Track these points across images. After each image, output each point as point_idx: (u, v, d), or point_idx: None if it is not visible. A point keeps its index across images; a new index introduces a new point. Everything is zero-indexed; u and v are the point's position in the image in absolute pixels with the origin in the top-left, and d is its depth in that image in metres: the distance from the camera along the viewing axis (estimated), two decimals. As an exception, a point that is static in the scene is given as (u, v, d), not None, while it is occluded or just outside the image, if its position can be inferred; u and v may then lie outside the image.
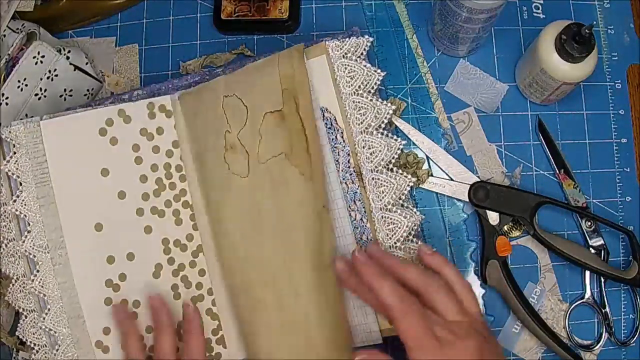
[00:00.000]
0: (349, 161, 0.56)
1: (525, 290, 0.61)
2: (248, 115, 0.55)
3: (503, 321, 0.61)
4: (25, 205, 0.57)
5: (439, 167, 0.62)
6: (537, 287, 0.61)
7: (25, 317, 0.58)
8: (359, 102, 0.56)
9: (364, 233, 0.55)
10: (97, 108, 0.59)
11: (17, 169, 0.57)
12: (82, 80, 0.66)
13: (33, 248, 0.57)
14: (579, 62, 0.56)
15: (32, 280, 0.57)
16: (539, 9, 0.66)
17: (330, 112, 0.56)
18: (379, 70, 0.57)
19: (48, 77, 0.63)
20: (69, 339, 0.57)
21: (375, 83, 0.57)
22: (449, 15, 0.57)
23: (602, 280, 0.60)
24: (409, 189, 0.56)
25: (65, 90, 0.65)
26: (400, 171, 0.57)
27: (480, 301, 0.61)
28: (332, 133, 0.56)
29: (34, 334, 0.58)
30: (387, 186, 0.56)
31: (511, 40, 0.65)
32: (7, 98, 0.61)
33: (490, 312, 0.61)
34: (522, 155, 0.63)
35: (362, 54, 0.57)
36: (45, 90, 0.63)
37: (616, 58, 0.65)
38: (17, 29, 0.63)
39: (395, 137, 0.57)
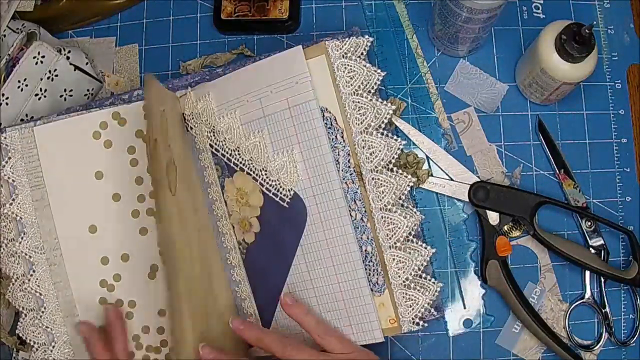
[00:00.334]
0: (349, 161, 0.56)
1: (525, 290, 0.61)
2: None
3: (503, 321, 0.61)
4: (20, 208, 0.59)
5: (439, 167, 0.62)
6: (537, 287, 0.61)
7: (25, 315, 0.59)
8: (358, 102, 0.56)
9: (364, 232, 0.55)
10: (91, 112, 0.60)
11: (12, 173, 0.59)
12: (82, 80, 0.66)
13: (29, 249, 0.58)
14: (579, 62, 0.56)
15: (29, 280, 0.58)
16: (539, 9, 0.66)
17: (330, 112, 0.56)
18: (379, 70, 0.57)
19: (48, 77, 0.63)
20: (64, 336, 0.58)
21: (375, 83, 0.57)
22: (449, 15, 0.57)
23: (602, 280, 0.60)
24: (409, 189, 0.57)
25: (65, 90, 0.65)
26: (400, 171, 0.57)
27: (480, 301, 0.61)
28: (332, 133, 0.56)
29: (33, 332, 0.59)
30: (387, 186, 0.56)
31: (511, 40, 0.65)
32: (7, 98, 0.61)
33: (490, 312, 0.61)
34: (522, 155, 0.63)
35: (362, 54, 0.57)
36: (45, 90, 0.63)
37: (616, 58, 0.65)
38: (17, 29, 0.63)
39: (395, 137, 0.57)
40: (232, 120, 0.58)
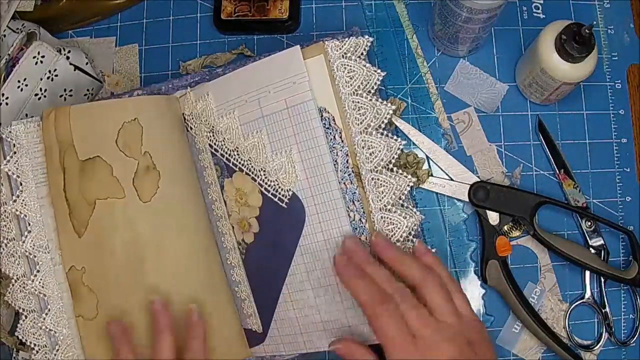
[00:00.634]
0: (347, 161, 0.55)
1: (525, 290, 0.61)
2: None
3: (503, 321, 0.61)
4: (25, 205, 0.58)
5: (439, 167, 0.62)
6: (537, 287, 0.61)
7: (25, 317, 0.58)
8: (358, 102, 0.55)
9: (362, 234, 0.55)
10: None
11: (17, 169, 0.58)
12: (82, 80, 0.66)
13: (33, 248, 0.57)
14: (579, 62, 0.56)
15: (32, 281, 0.57)
16: (539, 9, 0.66)
17: (328, 112, 0.56)
18: (379, 70, 0.56)
19: (48, 77, 0.63)
20: (69, 339, 0.57)
21: (375, 83, 0.56)
22: (449, 15, 0.57)
23: (602, 280, 0.60)
24: (409, 189, 0.56)
25: (65, 90, 0.65)
26: (400, 171, 0.56)
27: (480, 301, 0.61)
28: (330, 133, 0.56)
29: (34, 334, 0.58)
30: (386, 186, 0.55)
31: (511, 40, 0.65)
32: (7, 98, 0.61)
33: (490, 312, 0.61)
34: (522, 155, 0.63)
35: (362, 54, 0.57)
36: (45, 90, 0.63)
37: (616, 58, 0.65)
38: (17, 29, 0.63)
39: (395, 137, 0.57)
40: (231, 121, 0.58)
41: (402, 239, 0.55)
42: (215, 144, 0.59)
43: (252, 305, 0.59)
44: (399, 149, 0.56)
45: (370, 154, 0.55)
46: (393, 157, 0.56)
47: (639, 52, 0.65)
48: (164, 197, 0.57)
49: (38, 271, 0.57)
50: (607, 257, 0.60)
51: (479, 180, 0.61)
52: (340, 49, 0.56)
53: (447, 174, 0.62)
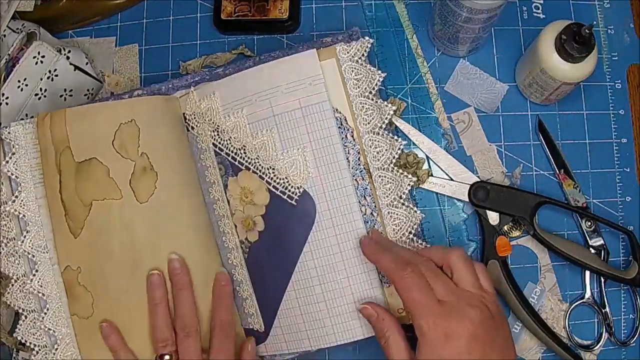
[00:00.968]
0: (359, 159, 0.57)
1: (525, 290, 0.61)
2: None
3: (503, 321, 0.61)
4: (24, 205, 0.58)
5: (439, 167, 0.62)
6: (537, 287, 0.61)
7: (25, 317, 0.59)
8: (365, 103, 0.57)
9: (374, 227, 0.57)
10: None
11: (16, 169, 0.58)
12: (82, 80, 0.66)
13: (32, 248, 0.58)
14: (579, 62, 0.56)
15: (31, 280, 0.58)
16: (539, 9, 0.66)
17: (340, 113, 0.57)
18: (379, 72, 0.57)
19: (48, 77, 0.63)
20: (67, 338, 0.58)
21: (377, 84, 0.57)
22: (449, 15, 0.57)
23: (602, 280, 0.60)
24: (409, 188, 0.57)
25: (65, 90, 0.65)
26: (400, 171, 0.57)
27: (480, 301, 0.61)
28: (342, 132, 0.57)
29: (33, 334, 0.58)
30: (392, 184, 0.57)
31: (511, 40, 0.65)
32: (7, 98, 0.61)
33: (490, 312, 0.61)
34: (522, 155, 0.63)
35: (362, 55, 0.57)
36: (45, 90, 0.63)
37: (616, 58, 0.65)
38: (17, 29, 0.63)
39: (395, 137, 0.57)
40: (239, 119, 0.58)
41: (407, 233, 0.56)
42: (219, 142, 0.59)
43: (254, 304, 0.59)
44: (399, 148, 0.57)
45: (377, 153, 0.57)
46: (394, 157, 0.57)
47: (639, 52, 0.65)
48: (161, 197, 0.57)
49: (37, 271, 0.58)
50: (607, 257, 0.60)
51: (479, 180, 0.61)
52: (348, 52, 0.57)
53: (447, 174, 0.62)
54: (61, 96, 0.65)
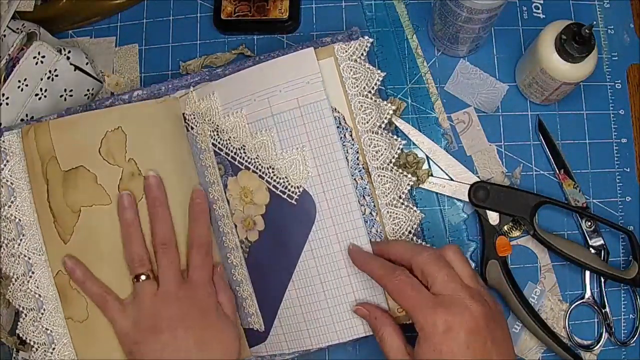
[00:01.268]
0: (357, 158, 0.57)
1: (525, 290, 0.61)
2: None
3: (503, 321, 0.61)
4: (19, 210, 0.59)
5: (439, 167, 0.62)
6: (537, 287, 0.61)
7: (25, 315, 0.59)
8: (364, 102, 0.57)
9: (373, 226, 0.57)
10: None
11: (11, 175, 0.59)
12: (82, 81, 0.66)
13: (28, 250, 0.59)
14: (579, 62, 0.56)
15: (28, 281, 0.58)
16: (539, 9, 0.66)
17: (338, 112, 0.57)
18: (379, 71, 0.57)
19: (48, 77, 0.63)
20: (64, 338, 0.58)
21: (376, 83, 0.57)
22: (449, 15, 0.57)
23: (602, 280, 0.60)
24: (408, 188, 0.57)
25: (65, 90, 0.65)
26: (400, 170, 0.58)
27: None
28: (341, 132, 0.57)
29: (33, 332, 0.59)
30: (391, 183, 0.57)
31: (511, 40, 0.65)
32: (7, 98, 0.61)
33: (490, 312, 0.61)
34: (522, 155, 0.63)
35: (362, 54, 0.57)
36: (45, 90, 0.63)
37: (616, 58, 0.65)
38: (17, 29, 0.63)
39: (394, 136, 0.58)
40: (238, 119, 0.58)
41: (407, 233, 0.57)
42: (219, 142, 0.59)
43: (254, 304, 0.59)
44: (399, 148, 0.57)
45: (376, 152, 0.57)
46: (393, 157, 0.57)
47: (639, 52, 0.65)
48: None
49: (33, 272, 0.58)
50: (607, 257, 0.60)
51: (479, 180, 0.61)
52: (346, 51, 0.57)
53: (447, 174, 0.62)
54: (61, 96, 0.65)
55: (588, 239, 0.61)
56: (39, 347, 0.59)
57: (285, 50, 0.61)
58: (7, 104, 0.62)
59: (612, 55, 0.65)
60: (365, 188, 0.57)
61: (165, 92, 0.62)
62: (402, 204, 0.57)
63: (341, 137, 0.57)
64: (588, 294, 0.60)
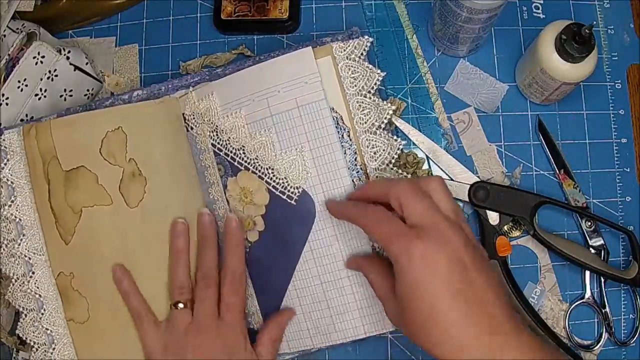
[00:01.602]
0: (355, 159, 0.57)
1: (525, 290, 0.61)
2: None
3: (503, 321, 0.61)
4: (19, 210, 0.59)
5: (439, 167, 0.62)
6: (537, 287, 0.61)
7: (25, 315, 0.59)
8: (362, 102, 0.57)
9: None
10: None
11: (11, 175, 0.59)
12: (82, 81, 0.66)
13: (28, 251, 0.58)
14: (579, 62, 0.56)
15: (28, 282, 0.58)
16: (539, 9, 0.66)
17: (336, 112, 0.57)
18: (379, 71, 0.57)
19: (48, 77, 0.63)
20: (64, 338, 0.58)
21: (375, 83, 0.57)
22: (449, 15, 0.57)
23: (602, 280, 0.60)
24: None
25: (65, 90, 0.65)
26: (400, 171, 0.57)
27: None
28: (339, 132, 0.57)
29: (33, 332, 0.59)
30: None
31: (511, 40, 0.65)
32: (7, 98, 0.61)
33: (490, 312, 0.61)
34: (522, 155, 0.63)
35: (362, 54, 0.57)
36: (45, 90, 0.63)
37: (616, 58, 0.65)
38: (17, 29, 0.63)
39: (394, 137, 0.57)
40: (237, 120, 0.58)
41: None
42: (218, 143, 0.59)
43: (255, 304, 0.59)
44: (399, 148, 0.57)
45: (375, 153, 0.57)
46: (393, 157, 0.57)
47: (639, 52, 0.65)
48: (150, 202, 0.57)
49: (33, 272, 0.58)
50: (607, 257, 0.60)
51: (479, 180, 0.61)
52: (344, 50, 0.57)
53: (447, 174, 0.62)
54: (61, 96, 0.65)
55: (588, 239, 0.61)
56: (39, 347, 0.59)
57: (285, 50, 0.61)
58: (6, 104, 0.62)
59: (612, 55, 0.65)
60: None
61: (165, 92, 0.62)
62: None
63: (339, 138, 0.56)
64: (588, 294, 0.60)
